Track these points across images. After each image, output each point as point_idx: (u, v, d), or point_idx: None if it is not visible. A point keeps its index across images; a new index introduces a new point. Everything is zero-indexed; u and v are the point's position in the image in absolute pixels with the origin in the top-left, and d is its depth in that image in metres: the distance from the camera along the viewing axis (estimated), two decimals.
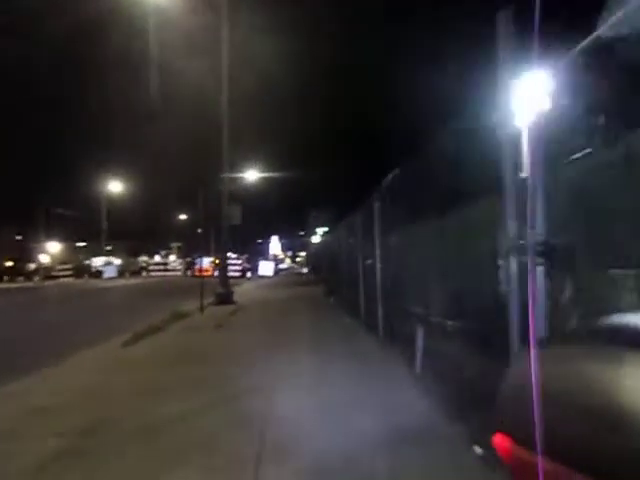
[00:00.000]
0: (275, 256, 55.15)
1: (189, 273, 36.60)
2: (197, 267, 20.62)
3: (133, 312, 12.83)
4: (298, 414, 3.92)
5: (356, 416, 3.79)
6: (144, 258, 56.81)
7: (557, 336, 1.25)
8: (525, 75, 2.57)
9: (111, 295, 21.93)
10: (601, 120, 2.42)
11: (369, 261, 7.75)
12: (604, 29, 2.25)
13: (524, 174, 2.53)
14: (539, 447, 0.95)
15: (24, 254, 46.78)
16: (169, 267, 44.87)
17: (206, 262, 28.34)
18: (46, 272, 38.18)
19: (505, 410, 1.12)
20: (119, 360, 6.27)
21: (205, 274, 17.05)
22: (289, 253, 78.89)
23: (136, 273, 44.91)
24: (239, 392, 4.61)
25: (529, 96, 2.56)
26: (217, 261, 19.71)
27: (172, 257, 60.48)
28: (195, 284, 11.71)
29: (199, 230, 13.74)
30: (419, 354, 4.63)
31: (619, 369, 0.87)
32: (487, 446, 2.32)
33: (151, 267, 45.92)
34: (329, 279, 17.65)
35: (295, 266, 62.36)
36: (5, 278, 38.20)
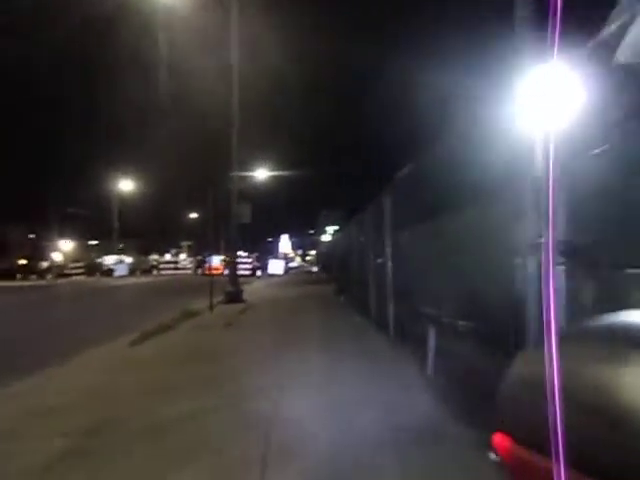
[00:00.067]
0: (285, 255, 55.19)
1: (199, 272, 36.71)
2: (207, 266, 20.65)
3: (143, 310, 12.86)
4: (308, 414, 3.85)
5: (366, 416, 3.71)
6: (155, 256, 57.15)
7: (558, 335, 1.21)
8: (543, 66, 2.48)
9: (122, 293, 22.06)
10: (622, 114, 2.32)
11: (380, 260, 7.66)
12: (625, 19, 2.15)
13: (540, 171, 2.44)
14: (540, 448, 0.94)
15: (37, 252, 47.36)
16: (179, 265, 45.03)
17: (216, 260, 28.42)
18: (58, 270, 38.53)
19: (505, 410, 1.10)
20: (127, 359, 6.24)
21: (215, 272, 17.08)
22: (299, 252, 78.96)
23: (147, 271, 45.16)
24: (248, 391, 4.55)
25: (546, 88, 2.47)
26: (227, 259, 19.75)
27: (182, 256, 60.80)
28: (205, 282, 11.70)
29: (210, 229, 13.72)
30: (431, 355, 4.53)
31: (621, 368, 0.86)
32: None
33: (162, 265, 46.12)
34: (339, 278, 17.57)
35: (305, 265, 62.36)
36: (18, 276, 38.63)
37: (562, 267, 2.17)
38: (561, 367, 0.98)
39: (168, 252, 67.62)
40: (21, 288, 26.73)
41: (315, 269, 43.18)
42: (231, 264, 15.20)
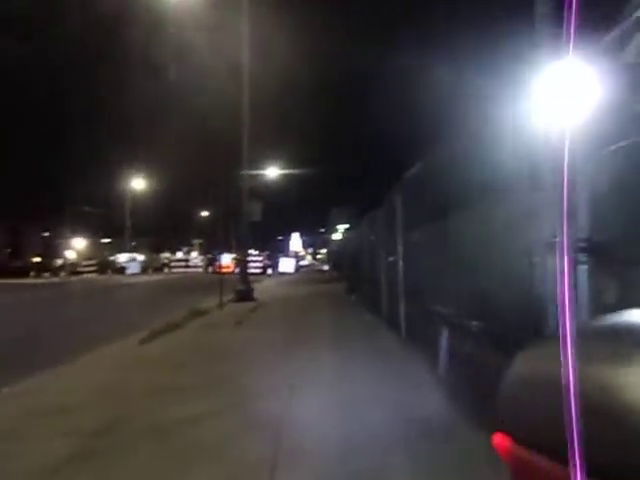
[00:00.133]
0: (296, 253, 55.21)
1: (210, 270, 36.83)
2: (217, 264, 20.69)
3: (154, 308, 12.89)
4: (319, 414, 3.79)
5: (377, 415, 3.64)
6: (166, 254, 57.49)
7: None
8: (560, 62, 2.40)
9: (133, 291, 22.19)
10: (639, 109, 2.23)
11: (391, 258, 7.57)
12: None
13: (558, 168, 2.35)
14: (539, 447, 0.94)
15: (51, 250, 47.95)
16: (190, 263, 45.21)
17: (226, 259, 28.47)
18: (71, 268, 38.98)
19: (505, 409, 1.09)
20: (136, 358, 6.22)
21: (226, 271, 17.09)
22: (310, 250, 78.96)
23: (158, 269, 45.42)
24: (259, 390, 4.50)
25: (564, 84, 2.38)
26: (238, 258, 19.76)
27: (194, 254, 61.08)
28: (216, 281, 11.70)
29: (220, 227, 13.71)
30: (443, 355, 4.44)
31: (623, 368, 0.85)
32: None
33: (173, 263, 46.37)
34: (350, 276, 17.49)
35: (316, 263, 62.33)
36: (31, 274, 39.10)
37: (584, 266, 2.08)
38: (564, 366, 0.94)
39: (180, 250, 67.99)
40: (34, 285, 27.04)
41: (326, 267, 43.12)
42: (241, 262, 15.20)
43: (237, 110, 14.30)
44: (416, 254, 5.99)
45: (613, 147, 2.24)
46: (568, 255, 2.24)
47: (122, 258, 44.65)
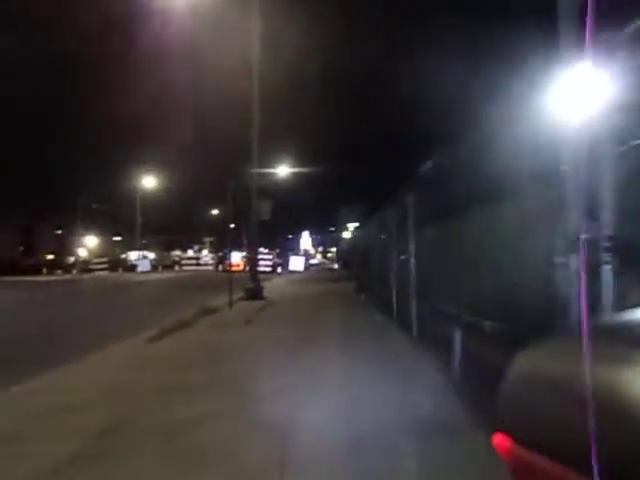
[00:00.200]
0: (306, 251, 55.18)
1: (220, 268, 36.91)
2: (228, 262, 20.73)
3: (165, 306, 12.91)
4: (327, 417, 3.71)
5: (387, 418, 3.55)
6: (177, 252, 57.81)
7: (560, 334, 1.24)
8: (584, 58, 2.32)
9: (144, 289, 22.29)
10: None
11: (402, 257, 7.46)
12: None
13: (582, 165, 2.25)
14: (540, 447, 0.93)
15: (63, 248, 48.37)
16: (201, 262, 45.44)
17: (236, 257, 28.47)
18: (83, 265, 39.24)
19: (505, 410, 1.09)
20: (145, 356, 6.18)
21: (236, 269, 17.06)
22: (320, 249, 78.94)
23: (169, 267, 45.68)
24: (267, 391, 4.42)
25: (587, 82, 2.30)
26: (248, 256, 19.72)
27: (204, 252, 61.37)
28: (226, 279, 11.66)
29: (231, 225, 13.68)
30: (457, 358, 4.33)
31: (624, 368, 0.85)
32: None
33: (183, 261, 46.62)
34: (360, 275, 17.39)
35: (326, 262, 62.31)
36: (44, 271, 39.48)
37: (608, 265, 1.98)
38: (561, 367, 0.97)
39: (191, 248, 68.37)
40: (47, 283, 27.29)
41: (336, 266, 43.05)
42: (251, 260, 15.16)
43: (247, 108, 14.26)
44: (429, 253, 5.88)
45: (638, 142, 2.14)
46: (584, 254, 2.15)
47: (133, 256, 44.97)
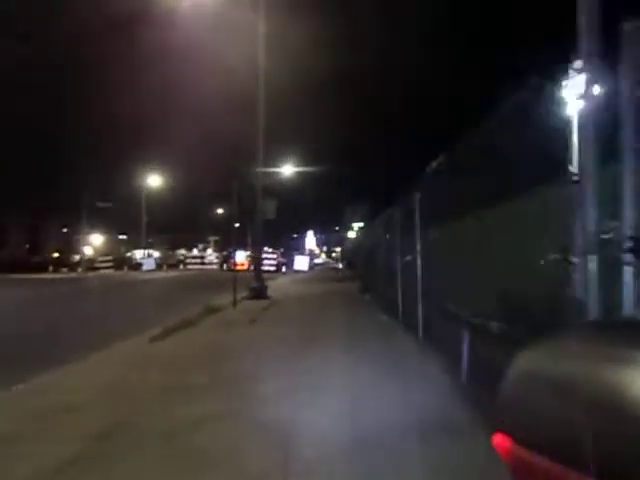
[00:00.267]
0: (311, 251, 55.13)
1: (225, 267, 36.89)
2: (233, 261, 20.73)
3: (169, 305, 12.88)
4: (331, 419, 3.63)
5: (392, 424, 3.47)
6: (182, 251, 57.86)
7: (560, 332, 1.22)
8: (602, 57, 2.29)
9: (149, 287, 22.29)
10: None
11: (408, 257, 7.37)
12: None
13: (601, 162, 2.18)
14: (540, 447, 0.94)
15: (69, 246, 48.56)
16: (206, 261, 45.39)
17: (240, 256, 28.40)
18: (88, 264, 39.34)
19: (505, 409, 1.08)
20: (148, 356, 6.12)
21: (240, 268, 17.01)
22: (324, 248, 78.86)
23: (174, 266, 45.69)
24: (270, 392, 4.35)
25: (605, 80, 2.25)
26: (252, 255, 19.69)
27: (209, 251, 61.42)
28: (231, 278, 11.62)
29: (236, 225, 13.62)
30: (464, 359, 4.24)
31: (624, 368, 0.84)
32: None
33: (188, 260, 46.62)
34: (365, 275, 17.30)
35: (330, 261, 62.21)
36: (50, 269, 39.61)
37: (629, 267, 1.89)
38: (561, 366, 0.97)
39: (196, 247, 68.43)
40: (52, 281, 27.36)
41: (340, 266, 42.94)
42: (256, 260, 15.10)
43: (252, 107, 14.20)
44: (436, 253, 5.79)
45: None
46: (582, 253, 2.07)
47: (138, 254, 45.04)
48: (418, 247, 6.45)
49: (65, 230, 56.01)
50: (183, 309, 10.13)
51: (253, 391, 4.42)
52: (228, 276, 14.13)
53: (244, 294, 12.92)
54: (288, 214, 35.70)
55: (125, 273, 37.36)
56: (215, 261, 43.81)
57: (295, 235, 67.24)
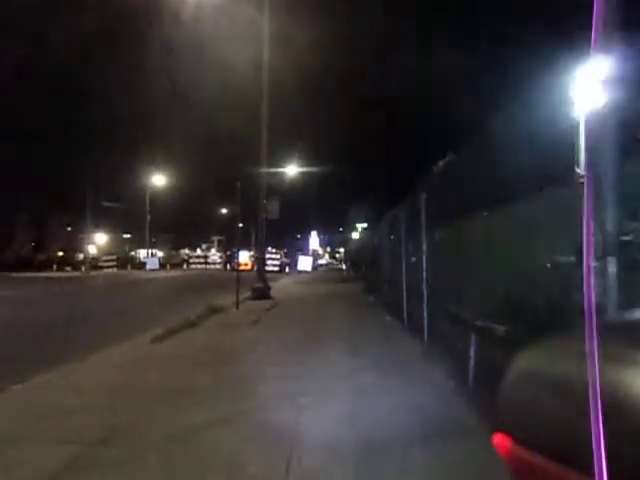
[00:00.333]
0: (314, 251, 55.04)
1: (228, 267, 36.85)
2: (236, 261, 20.73)
3: (171, 304, 12.85)
4: (334, 425, 3.53)
5: (398, 427, 3.36)
6: (186, 251, 57.94)
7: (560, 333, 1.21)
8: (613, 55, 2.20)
9: (152, 287, 22.27)
10: None
11: (414, 258, 7.26)
12: None
13: (620, 159, 2.07)
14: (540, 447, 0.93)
15: (73, 245, 48.68)
16: (209, 260, 45.41)
17: (244, 256, 28.37)
18: (92, 263, 39.37)
19: (505, 409, 1.08)
20: (150, 357, 6.03)
21: (244, 268, 16.94)
22: (328, 249, 78.80)
23: (177, 265, 45.73)
24: (271, 396, 4.25)
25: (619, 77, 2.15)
26: (255, 255, 19.60)
27: (213, 250, 61.43)
28: (234, 278, 11.54)
29: (240, 224, 13.55)
30: (472, 365, 4.13)
31: (624, 368, 0.84)
32: None
33: (192, 260, 46.66)
34: (369, 276, 17.20)
35: (334, 262, 62.16)
36: (54, 267, 39.70)
37: None
38: (560, 367, 0.97)
39: (199, 247, 68.51)
40: (55, 279, 27.38)
41: (344, 267, 42.83)
42: (259, 260, 15.03)
43: (257, 107, 14.12)
44: (443, 254, 5.68)
45: None
46: (601, 255, 1.97)
47: (142, 254, 45.12)
48: (424, 248, 6.33)
49: (70, 229, 56.17)
50: (185, 309, 10.06)
51: (256, 394, 4.32)
52: (231, 276, 14.07)
53: (247, 294, 12.83)
54: (292, 214, 35.62)
55: (129, 272, 37.39)
56: (218, 261, 43.81)
57: (299, 235, 67.14)
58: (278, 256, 35.78)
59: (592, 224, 2.09)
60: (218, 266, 42.01)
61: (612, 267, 1.96)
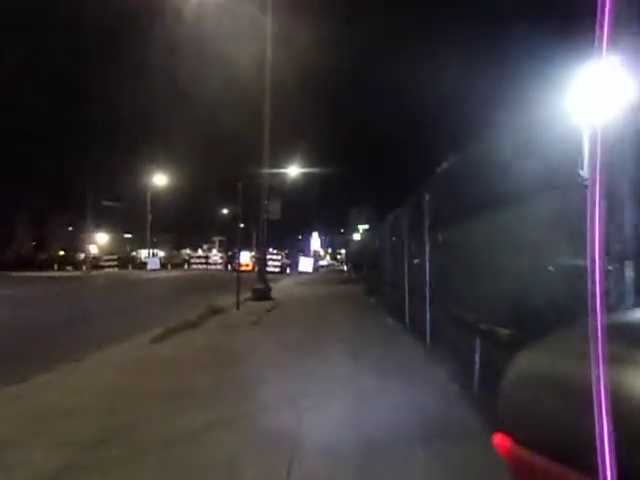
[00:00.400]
0: (315, 252, 55.00)
1: (229, 267, 36.80)
2: (237, 261, 20.70)
3: (172, 305, 12.81)
4: (335, 429, 3.47)
5: (396, 438, 3.29)
6: (187, 251, 57.94)
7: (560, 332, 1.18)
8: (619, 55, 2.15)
9: (153, 287, 22.24)
10: None
11: (416, 260, 7.20)
12: None
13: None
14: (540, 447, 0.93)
15: (74, 244, 48.72)
16: (210, 261, 45.38)
17: (244, 257, 28.28)
18: (93, 262, 39.36)
19: (505, 409, 1.08)
20: (147, 358, 5.96)
21: (245, 269, 16.88)
22: (329, 250, 78.77)
23: (178, 266, 45.69)
24: (271, 400, 4.19)
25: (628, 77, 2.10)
26: (256, 256, 19.56)
27: (214, 251, 61.44)
28: (235, 279, 11.49)
29: (241, 225, 13.50)
30: (476, 367, 4.07)
31: (624, 368, 0.84)
32: None
33: (193, 260, 46.63)
34: (370, 278, 17.14)
35: (335, 263, 62.12)
36: (55, 267, 39.71)
37: None
38: (560, 366, 0.96)
39: (200, 247, 68.52)
40: (58, 278, 27.36)
41: (345, 268, 42.78)
42: (260, 261, 14.98)
43: (259, 107, 14.08)
44: (446, 256, 5.62)
45: None
46: (618, 259, 1.91)
47: (143, 254, 45.13)
48: (427, 249, 6.27)
49: (71, 228, 56.21)
50: (186, 309, 10.01)
51: (255, 397, 4.25)
52: (232, 277, 14.02)
53: (248, 295, 12.77)
54: (293, 215, 35.61)
55: (129, 272, 37.35)
56: (219, 261, 43.77)
57: (300, 236, 67.12)
58: (279, 257, 35.74)
59: (599, 227, 2.05)
60: (219, 266, 41.95)
61: (629, 271, 1.90)
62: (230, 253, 40.31)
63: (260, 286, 13.58)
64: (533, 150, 3.17)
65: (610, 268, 2.01)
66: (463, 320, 4.60)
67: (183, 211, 56.40)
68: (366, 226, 43.46)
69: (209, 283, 22.63)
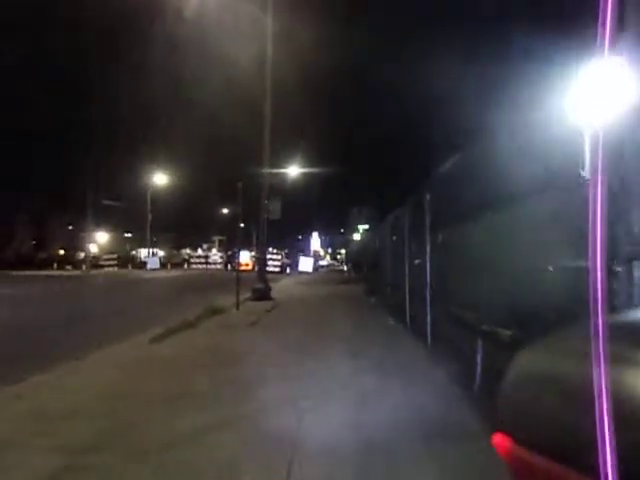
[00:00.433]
0: (315, 252, 54.98)
1: (229, 267, 36.79)
2: (237, 261, 20.66)
3: (171, 304, 12.80)
4: (335, 432, 3.46)
5: (396, 439, 3.28)
6: (187, 251, 57.92)
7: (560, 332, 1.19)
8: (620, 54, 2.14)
9: (152, 286, 22.23)
10: None
11: (417, 260, 7.19)
12: None
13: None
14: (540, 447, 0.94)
15: (74, 243, 48.72)
16: (210, 260, 45.36)
17: (244, 256, 28.27)
18: (93, 261, 39.36)
19: (505, 409, 1.08)
20: (147, 358, 5.95)
21: (245, 268, 16.87)
22: (329, 250, 78.77)
23: (178, 265, 45.67)
24: (270, 401, 4.17)
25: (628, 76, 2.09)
26: (256, 256, 19.56)
27: (214, 250, 61.42)
28: (235, 278, 11.48)
29: (241, 225, 13.49)
30: (477, 369, 4.06)
31: (625, 368, 0.84)
32: None
33: (193, 260, 46.61)
34: (370, 278, 17.13)
35: (335, 263, 62.11)
36: (54, 266, 39.70)
37: None
38: (560, 366, 0.96)
39: (200, 246, 68.51)
40: (58, 278, 27.35)
41: (345, 268, 42.76)
42: (260, 261, 14.96)
43: (259, 107, 14.06)
44: (447, 256, 5.61)
45: None
46: (625, 260, 1.90)
47: (143, 253, 45.13)
48: (428, 249, 6.27)
49: (71, 228, 56.20)
50: (186, 309, 10.00)
51: (254, 399, 4.24)
52: (232, 276, 14.00)
53: (247, 295, 12.76)
54: (293, 215, 35.61)
55: (129, 271, 37.34)
56: (219, 261, 43.76)
57: (300, 236, 67.11)
58: (279, 257, 35.72)
59: (601, 227, 2.03)
60: (219, 266, 41.93)
61: (638, 272, 1.88)
62: (230, 253, 40.30)
63: (260, 286, 13.57)
64: (534, 150, 3.16)
65: (619, 269, 1.99)
66: (464, 321, 4.59)
67: (183, 211, 56.40)
68: (366, 226, 43.46)
69: (209, 283, 22.61)
